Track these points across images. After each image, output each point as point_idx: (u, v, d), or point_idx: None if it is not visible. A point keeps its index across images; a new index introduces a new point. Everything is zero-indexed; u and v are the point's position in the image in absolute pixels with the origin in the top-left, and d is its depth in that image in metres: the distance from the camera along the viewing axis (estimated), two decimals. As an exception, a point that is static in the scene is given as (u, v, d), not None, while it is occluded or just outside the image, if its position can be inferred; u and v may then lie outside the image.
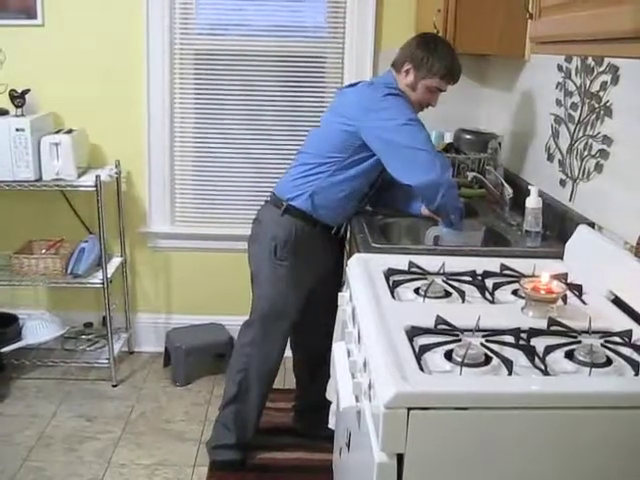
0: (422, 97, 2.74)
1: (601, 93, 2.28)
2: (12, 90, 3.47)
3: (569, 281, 2.01)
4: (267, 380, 2.96)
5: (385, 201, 2.93)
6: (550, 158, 2.71)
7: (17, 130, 3.36)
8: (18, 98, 3.47)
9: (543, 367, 1.53)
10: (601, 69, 2.28)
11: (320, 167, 2.75)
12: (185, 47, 3.75)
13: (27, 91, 3.50)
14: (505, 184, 2.85)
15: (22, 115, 3.46)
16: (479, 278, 2.06)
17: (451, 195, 2.60)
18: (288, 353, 3.16)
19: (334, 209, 2.79)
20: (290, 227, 2.78)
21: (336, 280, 2.92)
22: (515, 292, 1.99)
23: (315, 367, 3.03)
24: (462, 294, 1.93)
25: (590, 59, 2.37)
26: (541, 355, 1.57)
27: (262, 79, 3.78)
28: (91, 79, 3.70)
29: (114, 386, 3.66)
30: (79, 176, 3.52)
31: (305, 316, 3.00)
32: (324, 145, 2.77)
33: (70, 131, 3.55)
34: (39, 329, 3.72)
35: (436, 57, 2.68)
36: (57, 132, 3.54)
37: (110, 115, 3.75)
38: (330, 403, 2.28)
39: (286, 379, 3.56)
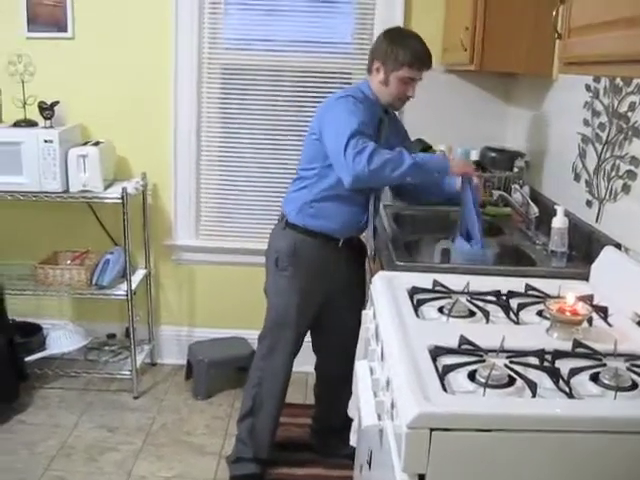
0: (397, 90, 2.73)
1: (629, 114, 2.27)
2: (41, 102, 3.52)
3: (595, 303, 1.99)
4: (279, 394, 2.96)
5: (410, 192, 2.94)
6: (577, 178, 2.70)
7: (45, 142, 3.40)
8: (47, 110, 3.51)
9: (568, 390, 1.52)
10: (630, 89, 2.27)
11: (305, 180, 2.81)
12: (213, 61, 3.78)
13: (56, 103, 3.54)
14: (531, 203, 2.84)
15: (51, 127, 3.50)
16: (504, 298, 2.05)
17: (388, 167, 2.50)
18: (310, 367, 3.17)
19: (331, 218, 2.79)
20: (291, 240, 2.82)
21: (356, 297, 2.92)
22: (540, 313, 1.97)
23: (335, 391, 3.02)
24: (486, 314, 1.92)
25: (618, 79, 2.36)
26: (566, 378, 1.55)
27: (288, 94, 3.80)
28: (119, 92, 3.74)
29: (136, 398, 3.68)
30: (105, 188, 3.55)
31: (324, 334, 3.01)
32: (304, 157, 2.85)
33: (97, 143, 3.58)
34: (63, 339, 3.75)
35: (400, 46, 2.67)
36: (85, 144, 3.58)
37: (137, 128, 3.79)
38: (350, 421, 2.27)
39: (307, 395, 3.55)
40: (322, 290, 2.89)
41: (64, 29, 3.67)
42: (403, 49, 2.67)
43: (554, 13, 1.81)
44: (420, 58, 2.69)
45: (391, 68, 2.69)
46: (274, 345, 2.90)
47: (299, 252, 2.81)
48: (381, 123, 2.80)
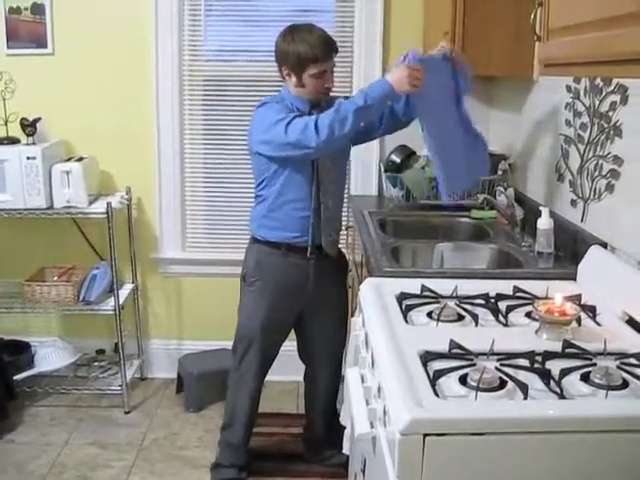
0: (315, 87, 2.71)
1: (610, 113, 2.28)
2: (23, 119, 3.50)
3: (583, 302, 1.99)
4: (249, 404, 2.99)
5: (365, 135, 2.90)
6: (560, 179, 2.71)
7: (28, 158, 3.38)
8: (29, 127, 3.50)
9: (559, 390, 1.52)
10: (610, 89, 2.28)
11: (260, 196, 2.85)
12: (194, 73, 3.78)
13: (38, 119, 3.53)
14: (516, 205, 2.85)
15: (33, 143, 3.49)
16: (492, 301, 2.05)
17: (336, 128, 2.51)
18: (300, 377, 3.17)
19: (287, 226, 2.79)
20: (255, 254, 2.86)
21: (336, 310, 2.93)
22: (529, 314, 1.97)
23: (324, 399, 3.04)
24: (475, 317, 1.92)
25: (599, 79, 2.37)
26: (557, 378, 1.55)
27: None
28: (101, 107, 3.73)
29: (127, 413, 3.66)
30: (90, 203, 3.54)
31: (308, 344, 3.03)
32: (254, 176, 2.88)
33: (81, 159, 3.58)
34: (51, 356, 3.73)
35: (297, 45, 2.63)
36: (68, 160, 3.57)
37: (120, 142, 3.77)
38: (343, 430, 2.26)
39: (299, 404, 3.54)
40: (293, 303, 2.89)
41: (44, 45, 3.66)
42: (302, 46, 2.62)
43: (532, 16, 1.82)
44: (321, 48, 2.65)
45: (299, 70, 2.67)
46: (242, 359, 2.94)
47: (264, 266, 2.84)
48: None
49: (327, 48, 2.67)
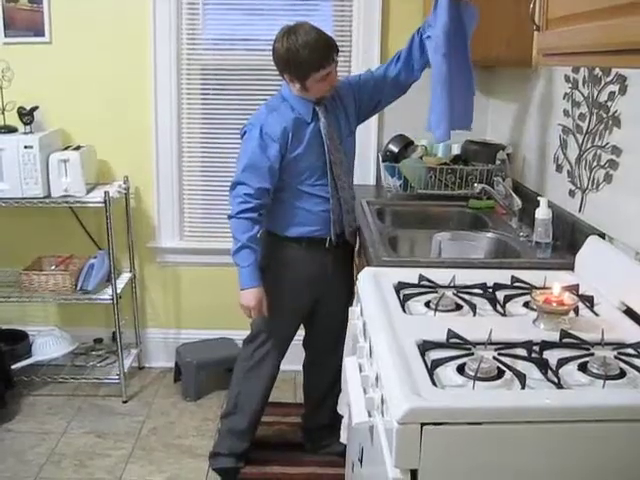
0: (319, 89, 2.69)
1: (609, 103, 2.28)
2: (20, 107, 3.49)
3: (580, 292, 2.00)
4: (261, 395, 2.99)
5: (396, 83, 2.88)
6: (559, 169, 2.71)
7: (26, 147, 3.37)
8: (26, 115, 3.48)
9: (556, 380, 1.53)
10: (608, 79, 2.28)
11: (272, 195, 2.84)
12: (192, 62, 3.76)
13: (35, 108, 3.51)
14: (514, 195, 2.84)
15: (30, 132, 3.48)
16: (490, 291, 2.05)
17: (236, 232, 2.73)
18: (298, 366, 3.17)
19: (303, 221, 2.81)
20: (274, 248, 2.86)
21: (345, 292, 2.91)
22: (526, 304, 1.98)
23: (324, 388, 3.03)
24: (473, 307, 1.92)
25: (597, 69, 2.37)
26: (554, 368, 1.56)
27: (268, 93, 3.76)
28: (99, 96, 3.72)
29: (124, 402, 3.66)
30: (88, 192, 3.53)
31: (315, 329, 3.02)
32: None
33: (78, 147, 3.57)
34: (49, 345, 3.72)
35: (298, 52, 2.57)
36: (65, 149, 3.56)
37: (118, 131, 3.76)
38: (340, 419, 2.27)
39: (297, 394, 3.55)
40: (312, 293, 2.90)
41: (41, 34, 3.64)
42: (302, 53, 2.57)
43: (531, 5, 1.81)
44: (323, 53, 2.61)
45: (302, 76, 2.63)
46: (257, 349, 2.93)
47: (284, 260, 2.84)
48: (315, 115, 2.74)
49: (329, 51, 2.63)
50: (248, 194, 2.68)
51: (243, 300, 2.74)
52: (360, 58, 3.67)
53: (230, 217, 2.73)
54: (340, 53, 2.72)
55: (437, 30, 2.63)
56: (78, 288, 3.59)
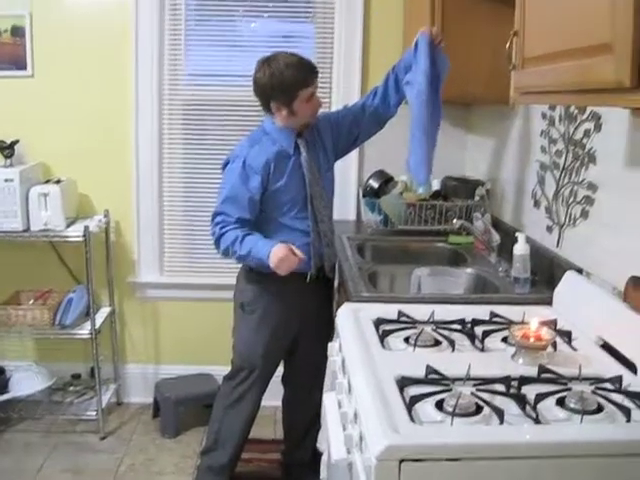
0: (306, 112, 2.73)
1: (585, 140, 2.31)
2: (1, 141, 3.49)
3: (558, 327, 2.01)
4: (241, 432, 2.97)
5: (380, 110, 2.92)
6: (536, 204, 2.74)
7: (6, 181, 3.36)
8: (7, 149, 3.48)
9: (534, 415, 1.53)
10: (584, 117, 2.32)
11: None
12: (174, 97, 3.78)
13: (16, 142, 3.51)
14: (493, 231, 2.87)
15: (11, 165, 3.48)
16: (468, 326, 2.06)
17: (230, 251, 2.72)
18: (278, 402, 3.15)
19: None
20: (254, 283, 2.85)
21: (324, 328, 2.90)
22: (505, 339, 1.98)
23: (304, 424, 3.01)
24: (452, 343, 1.93)
25: (573, 107, 2.40)
26: (532, 403, 1.56)
27: (249, 128, 3.79)
28: (80, 130, 3.72)
29: (102, 438, 3.61)
30: (68, 226, 3.52)
31: (294, 366, 3.00)
32: None
33: (59, 181, 3.56)
34: (26, 381, 3.67)
35: (281, 74, 2.63)
36: (46, 182, 3.55)
37: (99, 165, 3.76)
38: (320, 455, 2.25)
39: (277, 430, 3.52)
40: (292, 327, 2.90)
41: (23, 67, 3.65)
42: (287, 74, 2.63)
43: (508, 45, 1.85)
44: (306, 69, 2.69)
45: (289, 99, 2.67)
46: (238, 385, 2.92)
47: (264, 295, 2.83)
48: (297, 149, 2.78)
49: (312, 69, 2.71)
50: (228, 221, 2.71)
51: (274, 260, 2.60)
52: (341, 93, 3.70)
53: (216, 241, 2.74)
54: (320, 88, 2.77)
55: (418, 76, 2.65)
56: (56, 323, 3.56)
